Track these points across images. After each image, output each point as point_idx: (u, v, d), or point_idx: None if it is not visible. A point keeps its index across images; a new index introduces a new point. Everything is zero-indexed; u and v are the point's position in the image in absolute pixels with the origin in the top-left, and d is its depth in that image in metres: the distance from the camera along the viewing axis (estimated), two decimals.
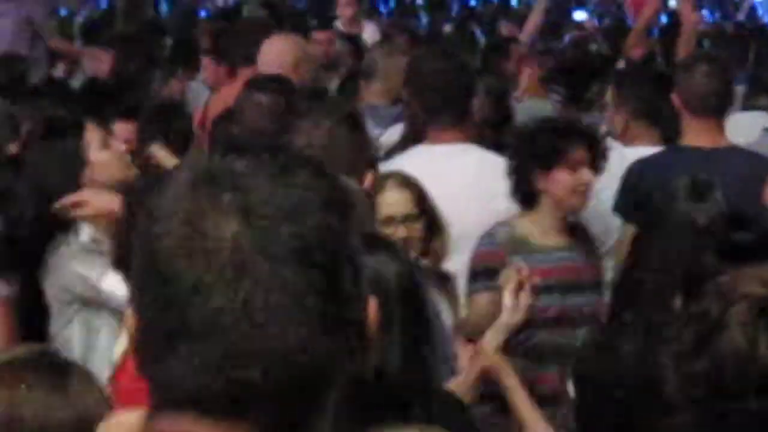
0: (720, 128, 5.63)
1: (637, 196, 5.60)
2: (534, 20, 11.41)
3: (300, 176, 1.34)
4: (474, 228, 5.01)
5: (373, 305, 1.44)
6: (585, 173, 4.89)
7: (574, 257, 4.97)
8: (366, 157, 4.99)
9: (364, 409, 1.96)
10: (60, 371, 2.61)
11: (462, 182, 5.50)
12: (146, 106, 7.01)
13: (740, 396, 2.49)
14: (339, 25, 10.97)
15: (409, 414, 2.84)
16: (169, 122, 6.51)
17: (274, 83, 6.17)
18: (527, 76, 8.78)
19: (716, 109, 5.65)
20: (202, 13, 16.59)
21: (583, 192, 4.86)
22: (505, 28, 12.96)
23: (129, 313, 1.40)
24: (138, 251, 1.36)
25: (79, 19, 14.95)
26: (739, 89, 7.41)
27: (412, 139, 6.06)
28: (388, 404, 2.80)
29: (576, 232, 5.11)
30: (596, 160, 5.00)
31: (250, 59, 7.23)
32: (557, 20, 13.77)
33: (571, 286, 4.80)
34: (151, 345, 1.33)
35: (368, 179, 4.51)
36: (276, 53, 7.06)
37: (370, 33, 10.96)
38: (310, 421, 1.35)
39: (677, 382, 2.57)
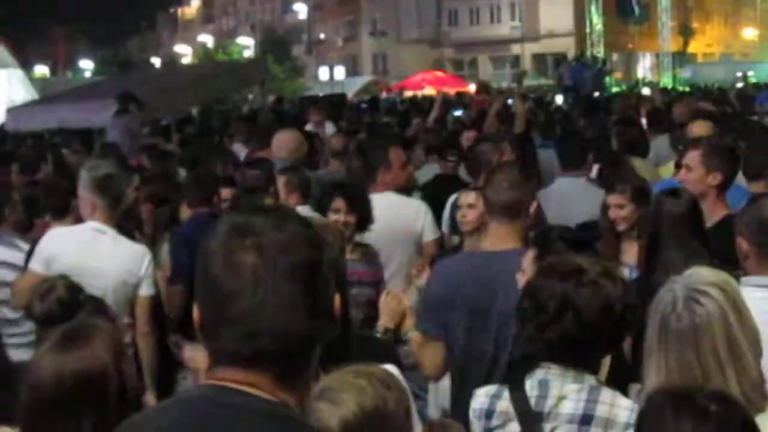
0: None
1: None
2: (434, 114, 14.13)
3: (291, 225, 2.01)
4: None
5: (338, 300, 2.10)
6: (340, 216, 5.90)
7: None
8: None
9: (329, 358, 2.45)
10: None
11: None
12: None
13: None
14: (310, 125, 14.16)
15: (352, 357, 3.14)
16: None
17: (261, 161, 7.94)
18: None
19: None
20: None
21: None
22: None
23: (195, 308, 2.03)
24: (198, 273, 2.04)
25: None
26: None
27: None
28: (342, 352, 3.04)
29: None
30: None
31: (267, 144, 9.65)
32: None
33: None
34: (208, 327, 2.02)
35: None
36: (284, 141, 9.34)
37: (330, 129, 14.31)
38: (301, 370, 2.03)
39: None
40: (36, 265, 5.55)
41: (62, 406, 2.77)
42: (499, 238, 4.71)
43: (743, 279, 3.68)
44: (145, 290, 5.71)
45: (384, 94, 45.07)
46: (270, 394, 1.92)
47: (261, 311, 1.92)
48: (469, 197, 6.15)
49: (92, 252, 5.55)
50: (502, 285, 4.32)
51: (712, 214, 5.67)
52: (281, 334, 1.93)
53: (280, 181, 7.22)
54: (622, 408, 3.13)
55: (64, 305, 3.89)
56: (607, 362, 3.75)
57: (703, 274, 3.06)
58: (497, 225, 4.74)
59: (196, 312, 2.01)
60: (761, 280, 3.66)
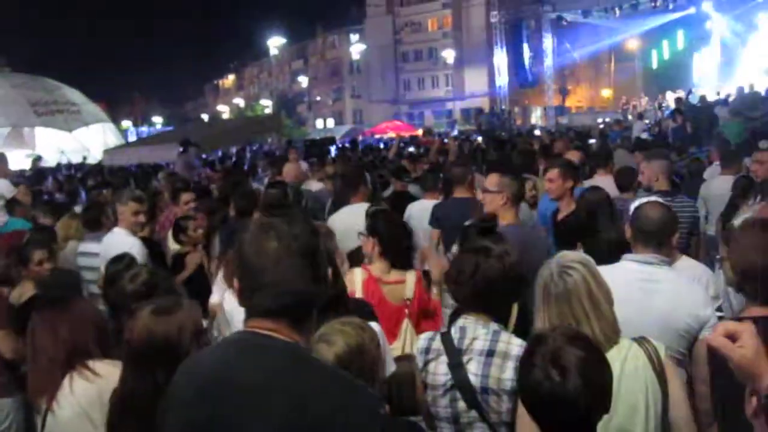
0: None
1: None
2: (393, 150, 14.25)
3: (298, 222, 2.03)
4: None
5: (330, 272, 2.15)
6: None
7: None
8: None
9: (324, 313, 2.49)
10: None
11: None
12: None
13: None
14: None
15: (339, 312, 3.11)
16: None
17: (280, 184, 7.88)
18: None
19: None
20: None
21: None
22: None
23: (235, 281, 2.06)
24: (236, 257, 2.06)
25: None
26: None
27: None
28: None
29: None
30: None
31: (280, 172, 10.04)
32: None
33: None
34: (245, 293, 2.01)
35: None
36: (289, 170, 9.85)
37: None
38: (307, 320, 2.05)
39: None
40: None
41: (148, 357, 2.78)
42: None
43: (625, 255, 3.75)
44: None
45: (360, 137, 45.11)
46: (287, 336, 1.95)
47: (281, 279, 1.95)
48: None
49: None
50: None
51: (567, 207, 6.13)
52: (294, 294, 1.96)
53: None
54: (515, 345, 3.13)
55: (147, 285, 3.92)
56: (514, 314, 3.78)
57: (569, 255, 3.13)
58: None
59: (236, 283, 2.04)
60: (636, 257, 3.69)
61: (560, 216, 6.25)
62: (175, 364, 2.14)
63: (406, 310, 4.59)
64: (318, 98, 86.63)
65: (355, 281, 4.61)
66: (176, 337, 2.81)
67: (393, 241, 4.70)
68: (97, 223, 6.73)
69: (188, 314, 2.94)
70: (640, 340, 3.00)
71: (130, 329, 2.88)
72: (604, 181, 7.25)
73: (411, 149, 19.98)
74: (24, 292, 5.26)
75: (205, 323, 3.31)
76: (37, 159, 26.20)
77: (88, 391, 3.12)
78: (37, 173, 20.49)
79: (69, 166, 27.02)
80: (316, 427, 1.82)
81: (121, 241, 5.86)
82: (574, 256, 3.12)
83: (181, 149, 16.50)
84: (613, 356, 2.82)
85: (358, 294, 4.51)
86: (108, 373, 3.12)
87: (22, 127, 41.54)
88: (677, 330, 3.42)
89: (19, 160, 25.71)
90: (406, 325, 4.56)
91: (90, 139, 41.43)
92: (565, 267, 3.00)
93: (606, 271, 3.12)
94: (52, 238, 6.50)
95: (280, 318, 1.96)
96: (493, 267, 3.22)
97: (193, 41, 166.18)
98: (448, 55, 71.57)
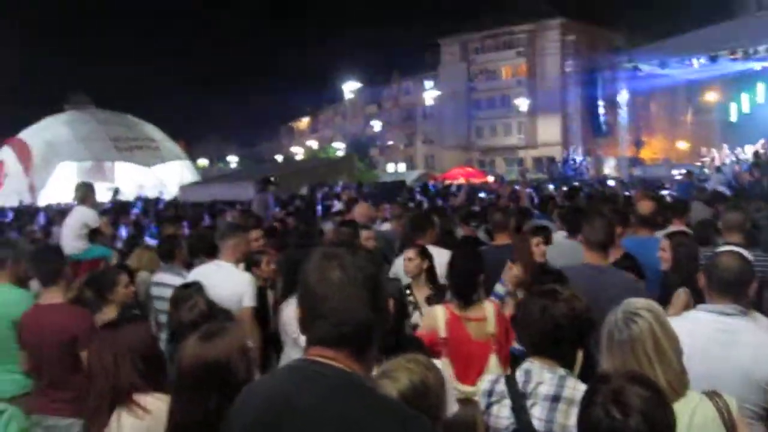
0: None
1: None
2: (461, 197, 14.34)
3: (360, 255, 2.06)
4: None
5: (391, 302, 2.14)
6: None
7: None
8: None
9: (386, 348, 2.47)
10: None
11: None
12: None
13: None
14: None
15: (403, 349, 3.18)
16: None
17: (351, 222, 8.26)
18: None
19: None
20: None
21: None
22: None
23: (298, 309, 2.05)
24: (300, 285, 2.06)
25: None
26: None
27: None
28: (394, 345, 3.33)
29: None
30: None
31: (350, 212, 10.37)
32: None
33: None
34: (307, 321, 2.03)
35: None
36: (360, 210, 10.06)
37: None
38: (367, 350, 2.02)
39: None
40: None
41: (199, 383, 2.77)
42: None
43: (698, 306, 3.68)
44: (247, 302, 5.70)
45: (431, 182, 45.21)
46: (346, 365, 1.94)
47: (343, 308, 1.95)
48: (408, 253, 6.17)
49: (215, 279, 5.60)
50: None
51: (613, 254, 5.67)
52: (356, 323, 1.95)
53: (363, 234, 7.53)
54: (581, 391, 3.01)
55: (204, 315, 3.94)
56: (579, 360, 3.70)
57: (636, 302, 3.05)
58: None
59: (298, 311, 2.04)
60: (712, 307, 3.59)
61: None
62: (225, 388, 2.16)
63: (492, 346, 4.58)
64: (390, 142, 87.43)
65: (438, 318, 4.63)
66: (225, 360, 2.81)
67: (469, 277, 4.73)
68: (171, 254, 6.91)
69: (235, 337, 2.94)
70: (711, 394, 2.89)
71: (179, 357, 2.90)
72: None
73: (482, 194, 19.89)
74: (108, 315, 5.41)
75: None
76: (117, 191, 27.06)
77: (136, 427, 3.10)
78: (121, 206, 21.13)
79: (145, 200, 27.76)
80: None
81: (233, 276, 5.95)
82: (642, 303, 3.04)
83: (259, 188, 16.73)
84: (681, 409, 2.71)
85: (442, 333, 4.53)
86: (157, 408, 3.12)
87: (104, 161, 43.09)
88: (758, 382, 3.29)
89: (99, 193, 26.54)
90: (494, 360, 4.56)
91: (167, 175, 42.67)
92: (631, 314, 2.93)
93: (679, 322, 3.05)
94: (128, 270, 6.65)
95: (340, 347, 1.95)
96: (561, 311, 3.16)
97: (270, 83, 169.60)
98: (522, 102, 71.59)
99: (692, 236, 6.23)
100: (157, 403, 3.15)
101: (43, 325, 5.02)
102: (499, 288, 5.22)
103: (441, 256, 6.22)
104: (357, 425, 1.82)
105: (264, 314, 6.18)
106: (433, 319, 4.63)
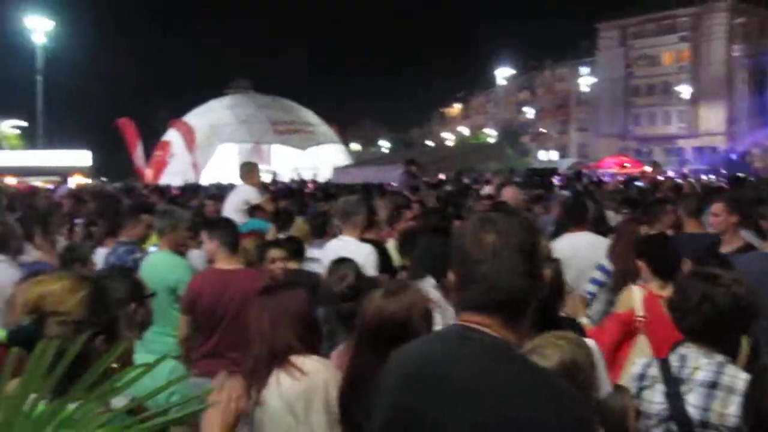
0: None
1: None
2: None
3: (516, 219, 2.01)
4: None
5: (546, 272, 2.19)
6: None
7: None
8: None
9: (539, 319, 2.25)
10: None
11: None
12: None
13: None
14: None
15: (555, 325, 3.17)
16: None
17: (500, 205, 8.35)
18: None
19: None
20: None
21: None
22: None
23: (451, 273, 2.02)
24: (455, 249, 2.02)
25: None
26: None
27: None
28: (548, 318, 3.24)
29: None
30: None
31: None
32: None
33: None
34: (461, 285, 1.99)
35: None
36: (510, 193, 9.92)
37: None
38: (520, 318, 1.96)
39: None
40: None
41: (379, 335, 2.95)
42: None
43: None
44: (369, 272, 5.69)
45: (585, 171, 44.13)
46: (498, 333, 1.88)
47: (497, 273, 1.89)
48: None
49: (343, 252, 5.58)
50: None
51: (730, 243, 5.91)
52: (509, 289, 1.90)
53: None
54: (741, 379, 2.91)
55: (351, 287, 4.08)
56: (745, 349, 3.55)
57: None
58: None
59: (452, 275, 2.00)
60: None
61: (723, 251, 5.92)
62: (404, 344, 2.14)
63: None
64: (542, 130, 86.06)
65: (635, 298, 4.61)
66: (406, 315, 2.99)
67: (662, 258, 4.71)
68: (322, 230, 7.11)
69: (417, 295, 3.13)
70: None
71: (363, 311, 3.09)
72: None
73: (638, 183, 19.22)
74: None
75: None
76: (275, 176, 28.16)
77: (294, 387, 3.17)
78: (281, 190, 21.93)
79: (301, 181, 28.68)
80: (520, 428, 1.76)
81: (353, 247, 6.04)
82: None
83: (404, 170, 17.03)
84: None
85: (639, 311, 4.54)
86: (314, 370, 3.19)
87: (262, 143, 44.89)
88: None
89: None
90: (643, 342, 4.54)
91: (321, 158, 43.85)
92: None
93: None
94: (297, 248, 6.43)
95: (493, 313, 1.90)
96: (722, 296, 3.02)
97: (423, 70, 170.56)
98: (684, 90, 68.58)
99: None
100: (314, 365, 3.22)
101: (227, 288, 5.28)
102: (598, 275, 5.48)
103: (597, 247, 6.10)
104: (509, 397, 1.78)
105: None
106: (630, 298, 4.61)
